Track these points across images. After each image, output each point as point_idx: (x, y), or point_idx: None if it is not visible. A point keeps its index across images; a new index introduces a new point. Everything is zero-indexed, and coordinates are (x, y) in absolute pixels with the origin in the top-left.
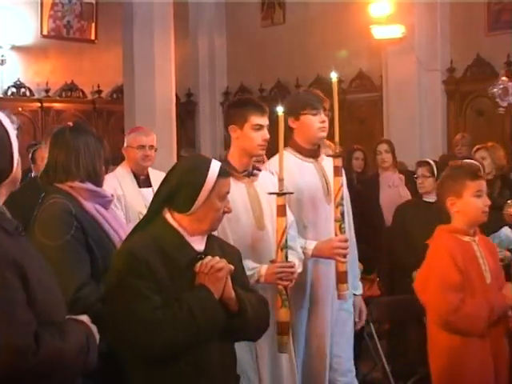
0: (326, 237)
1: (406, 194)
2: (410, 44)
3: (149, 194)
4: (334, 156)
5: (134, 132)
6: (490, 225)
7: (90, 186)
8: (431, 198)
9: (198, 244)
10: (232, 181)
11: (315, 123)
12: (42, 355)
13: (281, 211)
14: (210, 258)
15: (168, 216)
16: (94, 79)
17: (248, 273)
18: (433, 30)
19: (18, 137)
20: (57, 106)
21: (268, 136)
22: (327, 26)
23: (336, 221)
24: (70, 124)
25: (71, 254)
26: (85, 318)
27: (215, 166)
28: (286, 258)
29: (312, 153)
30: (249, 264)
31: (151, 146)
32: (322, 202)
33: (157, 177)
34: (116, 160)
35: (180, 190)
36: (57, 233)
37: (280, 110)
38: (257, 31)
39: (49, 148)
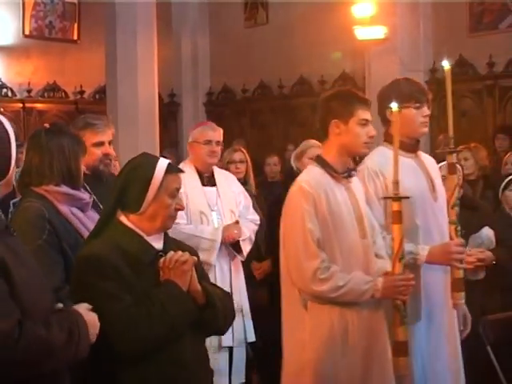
0: (439, 241)
1: None
2: (392, 45)
3: (212, 193)
4: (449, 152)
5: (200, 126)
6: (471, 226)
7: (65, 189)
8: None
9: (157, 242)
10: (332, 182)
11: (418, 117)
12: (25, 342)
13: (397, 217)
14: (172, 252)
15: (123, 218)
16: (76, 79)
17: (364, 287)
18: (415, 31)
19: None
20: (39, 106)
21: (374, 132)
22: (310, 27)
23: (451, 223)
24: (47, 125)
25: (43, 259)
26: (83, 307)
27: (163, 163)
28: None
29: (412, 147)
30: (364, 277)
31: (218, 142)
32: (430, 200)
33: (222, 176)
34: None
35: (128, 189)
36: (29, 238)
37: (394, 105)
38: (240, 32)
39: (25, 151)
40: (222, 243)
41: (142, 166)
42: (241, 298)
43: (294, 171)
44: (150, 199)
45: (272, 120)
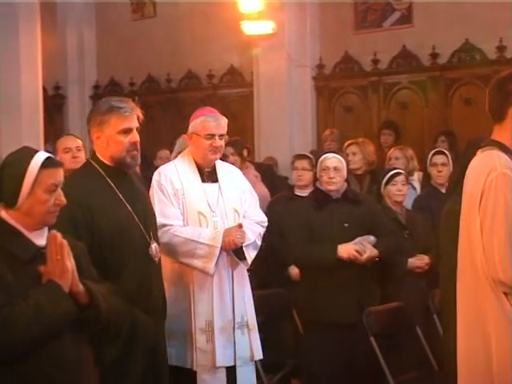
0: None
1: (264, 191)
2: (280, 40)
3: (214, 191)
4: None
5: (201, 115)
6: (355, 219)
7: None
8: (305, 192)
9: (39, 239)
10: None
11: None
12: None
13: None
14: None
15: (3, 213)
16: None
17: None
18: (302, 27)
19: None
20: None
21: None
22: (198, 21)
23: None
24: None
25: None
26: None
27: (39, 157)
28: None
29: None
30: None
31: (222, 136)
32: None
33: (225, 170)
34: None
35: (3, 184)
36: None
37: None
38: (127, 24)
39: None
40: (222, 249)
41: (17, 161)
42: (246, 311)
43: None
44: (25, 194)
45: (160, 114)
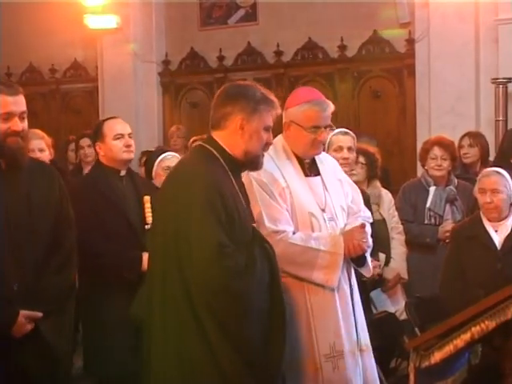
0: None
1: None
2: (125, 35)
3: (318, 186)
4: None
5: (306, 100)
6: None
7: None
8: None
9: None
10: None
11: None
12: None
13: None
14: None
15: None
16: None
17: None
18: (148, 23)
19: None
20: None
21: None
22: (40, 14)
23: None
24: None
25: None
26: None
27: None
28: None
29: None
30: None
31: (327, 127)
32: None
33: (322, 159)
34: None
35: None
36: None
37: None
38: None
39: None
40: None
41: None
42: (363, 332)
43: None
44: None
45: None
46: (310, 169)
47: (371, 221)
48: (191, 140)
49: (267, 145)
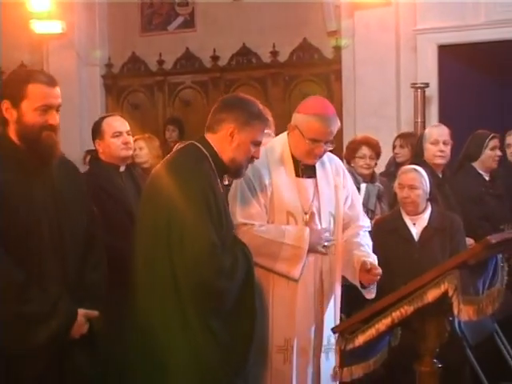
0: None
1: None
2: (70, 40)
3: (308, 187)
4: None
5: (315, 112)
6: None
7: None
8: None
9: None
10: None
11: None
12: None
13: None
14: None
15: None
16: None
17: None
18: (92, 28)
19: None
20: None
21: None
22: None
23: None
24: None
25: None
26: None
27: None
28: None
29: None
30: None
31: (331, 142)
32: None
33: (324, 161)
34: None
35: None
36: None
37: None
38: None
39: None
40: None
41: None
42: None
43: None
44: None
45: None
46: (305, 170)
47: (369, 229)
48: (133, 139)
49: (253, 158)
